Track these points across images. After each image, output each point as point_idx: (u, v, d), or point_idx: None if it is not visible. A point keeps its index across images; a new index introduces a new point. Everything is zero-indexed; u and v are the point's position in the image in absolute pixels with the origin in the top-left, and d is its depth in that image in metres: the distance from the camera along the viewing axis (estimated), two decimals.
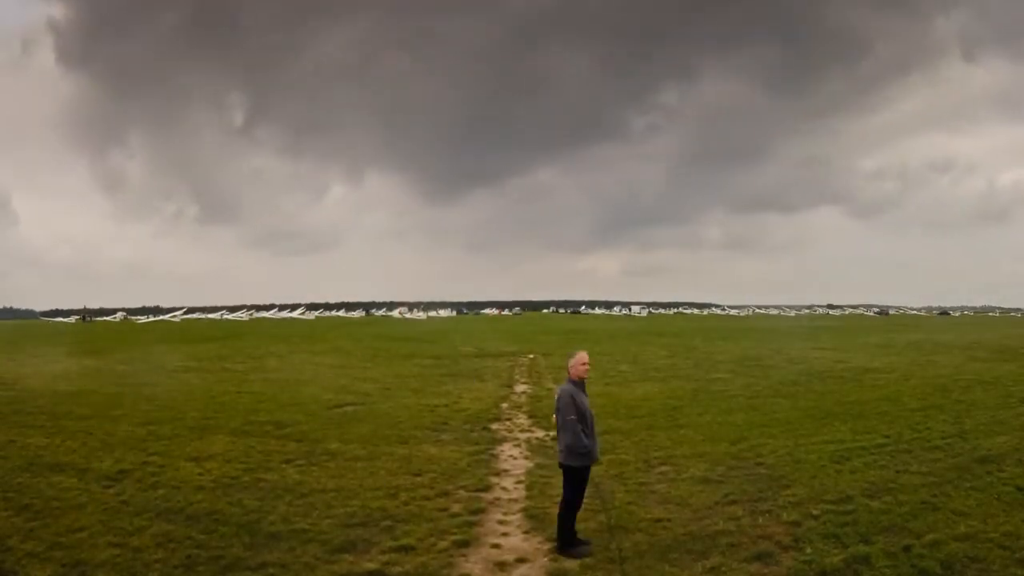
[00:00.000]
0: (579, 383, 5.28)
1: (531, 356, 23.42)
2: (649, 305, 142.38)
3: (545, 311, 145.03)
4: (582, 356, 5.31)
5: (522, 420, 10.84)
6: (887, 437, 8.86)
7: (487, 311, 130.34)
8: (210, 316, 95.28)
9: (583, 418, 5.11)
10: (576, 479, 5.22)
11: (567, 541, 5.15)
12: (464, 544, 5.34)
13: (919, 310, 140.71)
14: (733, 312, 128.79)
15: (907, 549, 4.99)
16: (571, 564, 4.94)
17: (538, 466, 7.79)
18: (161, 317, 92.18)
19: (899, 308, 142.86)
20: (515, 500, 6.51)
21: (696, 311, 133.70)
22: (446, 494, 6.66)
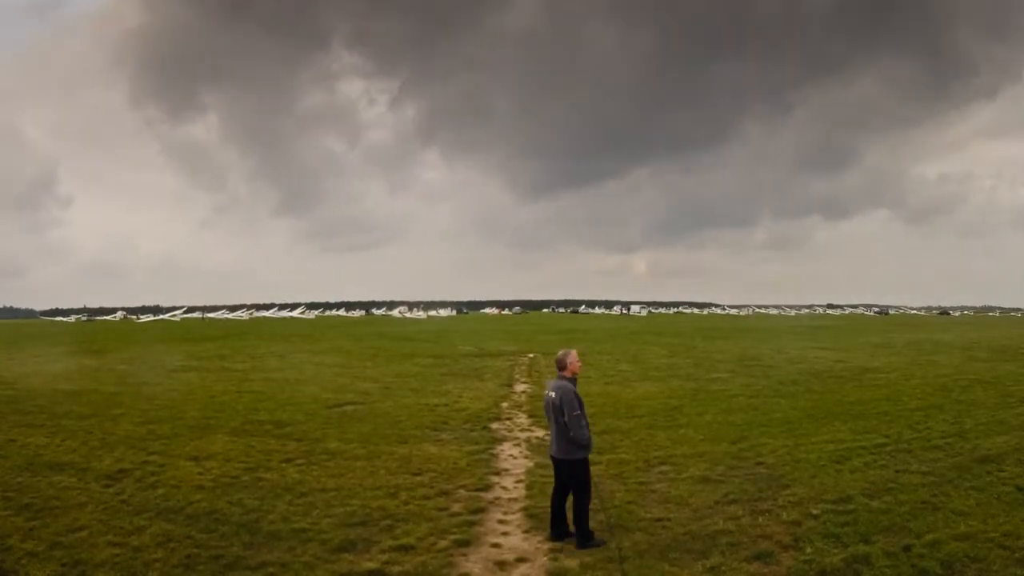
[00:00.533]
0: (573, 379, 5.56)
1: (531, 355, 23.43)
2: (649, 305, 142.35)
3: (545, 311, 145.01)
4: (575, 354, 5.63)
5: (522, 419, 10.83)
6: (887, 437, 8.86)
7: (487, 311, 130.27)
8: (210, 315, 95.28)
9: (584, 412, 5.41)
10: (581, 469, 5.41)
11: (585, 535, 5.28)
12: (464, 543, 5.34)
13: (919, 310, 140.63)
14: (733, 312, 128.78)
15: (907, 549, 5.00)
16: (571, 563, 4.94)
17: (538, 465, 7.78)
18: (160, 316, 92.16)
19: (899, 308, 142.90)
20: (515, 499, 6.51)
21: (696, 311, 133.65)
22: (446, 493, 6.66)
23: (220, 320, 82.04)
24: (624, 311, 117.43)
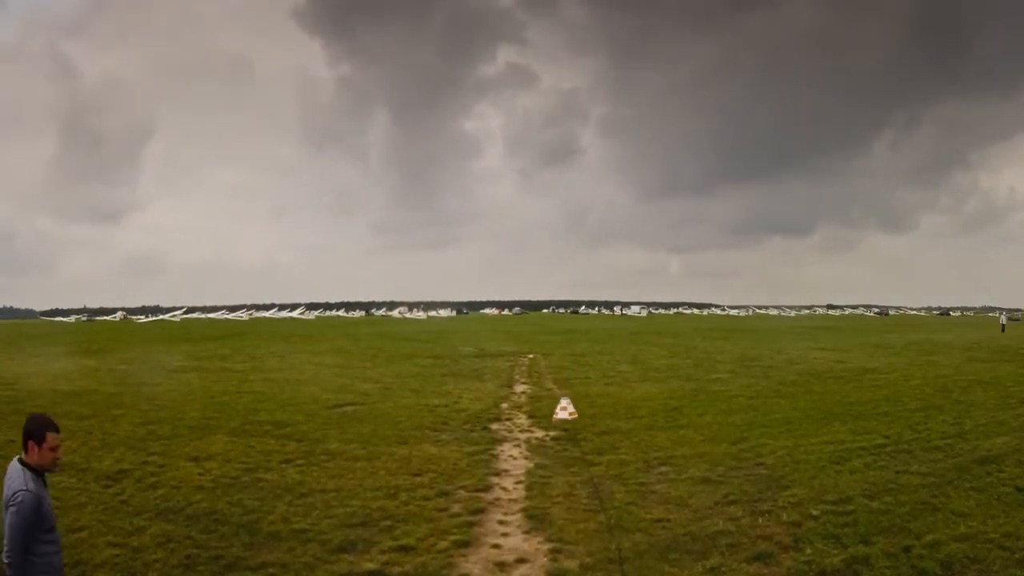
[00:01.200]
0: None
1: (531, 356, 23.43)
2: (649, 305, 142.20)
3: (545, 311, 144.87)
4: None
5: (522, 420, 10.84)
6: (887, 437, 8.86)
7: (487, 311, 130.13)
8: (211, 316, 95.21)
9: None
10: None
11: None
12: (464, 544, 5.35)
13: (919, 310, 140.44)
14: (733, 312, 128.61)
15: (907, 550, 5.00)
16: (571, 564, 4.94)
17: (538, 466, 7.80)
18: (160, 317, 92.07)
19: (899, 308, 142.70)
20: (515, 500, 6.52)
21: (696, 311, 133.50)
22: (446, 494, 6.66)
23: (220, 320, 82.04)
24: (623, 311, 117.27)
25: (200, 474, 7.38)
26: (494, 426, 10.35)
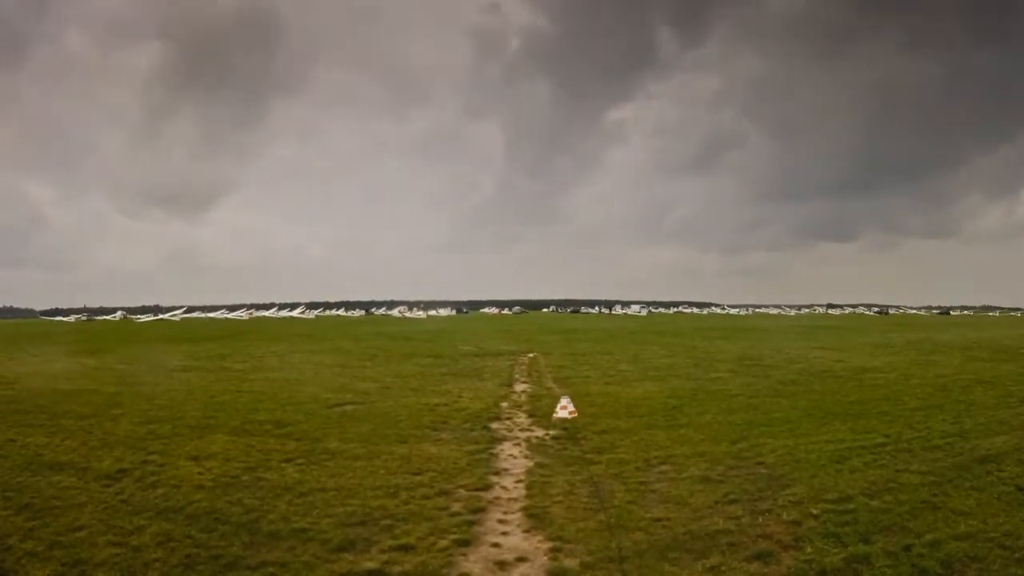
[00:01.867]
0: None
1: (531, 355, 23.43)
2: (649, 304, 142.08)
3: (545, 310, 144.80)
4: None
5: (522, 419, 10.83)
6: (887, 437, 8.86)
7: (486, 310, 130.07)
8: (210, 315, 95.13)
9: None
10: None
11: None
12: (464, 543, 5.35)
13: (919, 310, 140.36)
14: (733, 311, 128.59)
15: (907, 548, 5.00)
16: (571, 563, 4.94)
17: (538, 465, 7.79)
18: (160, 316, 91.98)
19: (899, 308, 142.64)
20: (515, 499, 6.51)
21: (696, 310, 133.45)
22: (446, 493, 6.66)
23: (220, 320, 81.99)
24: (623, 310, 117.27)
25: (200, 473, 7.38)
26: (494, 425, 10.34)
